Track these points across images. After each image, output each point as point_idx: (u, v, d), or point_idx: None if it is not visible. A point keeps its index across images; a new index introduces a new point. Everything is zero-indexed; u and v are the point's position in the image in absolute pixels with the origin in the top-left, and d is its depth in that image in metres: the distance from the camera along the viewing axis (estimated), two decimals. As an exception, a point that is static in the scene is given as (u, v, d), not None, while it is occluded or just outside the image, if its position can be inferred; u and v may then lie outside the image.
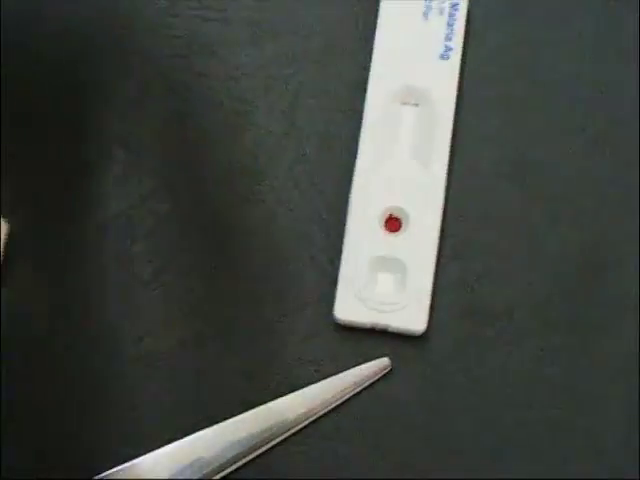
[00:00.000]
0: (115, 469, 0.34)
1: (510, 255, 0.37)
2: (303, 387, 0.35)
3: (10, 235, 0.36)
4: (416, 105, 0.37)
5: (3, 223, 0.36)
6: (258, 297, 0.37)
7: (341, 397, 0.35)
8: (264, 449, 0.35)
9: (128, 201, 0.37)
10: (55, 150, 0.38)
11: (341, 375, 0.36)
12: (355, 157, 0.37)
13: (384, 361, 0.36)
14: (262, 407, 0.35)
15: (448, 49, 0.38)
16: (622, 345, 0.36)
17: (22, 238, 0.37)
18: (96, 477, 0.34)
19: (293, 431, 0.35)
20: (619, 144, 0.38)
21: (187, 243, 0.37)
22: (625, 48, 0.39)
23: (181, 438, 0.35)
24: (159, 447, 0.35)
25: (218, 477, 0.34)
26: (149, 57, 0.39)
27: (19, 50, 0.39)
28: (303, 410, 0.35)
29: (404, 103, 0.37)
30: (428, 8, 0.38)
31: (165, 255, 0.37)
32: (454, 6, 0.38)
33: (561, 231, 0.37)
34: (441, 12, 0.38)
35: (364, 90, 0.37)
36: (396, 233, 0.36)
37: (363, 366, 0.36)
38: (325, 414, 0.35)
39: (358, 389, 0.35)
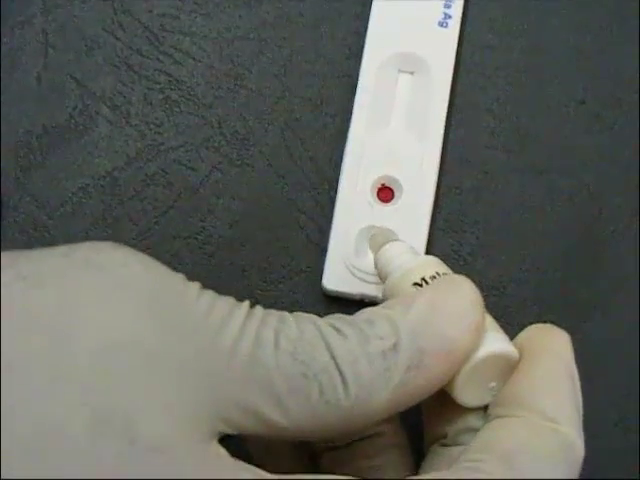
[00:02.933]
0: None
1: (505, 229, 0.36)
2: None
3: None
4: (412, 73, 0.37)
5: None
6: (245, 265, 0.36)
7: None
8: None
9: (114, 162, 0.36)
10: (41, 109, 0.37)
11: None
12: (349, 124, 0.36)
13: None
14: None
15: (447, 17, 0.37)
16: (617, 324, 0.35)
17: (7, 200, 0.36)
18: None
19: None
20: (619, 117, 0.37)
21: (173, 206, 0.36)
22: (628, 19, 0.38)
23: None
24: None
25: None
26: (139, 15, 0.37)
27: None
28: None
29: (400, 70, 0.37)
30: (428, -26, 0.37)
31: (150, 218, 0.36)
32: (454, -28, 0.37)
33: (558, 205, 0.36)
34: (441, -21, 0.37)
35: (359, 56, 0.36)
36: (388, 203, 0.35)
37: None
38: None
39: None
